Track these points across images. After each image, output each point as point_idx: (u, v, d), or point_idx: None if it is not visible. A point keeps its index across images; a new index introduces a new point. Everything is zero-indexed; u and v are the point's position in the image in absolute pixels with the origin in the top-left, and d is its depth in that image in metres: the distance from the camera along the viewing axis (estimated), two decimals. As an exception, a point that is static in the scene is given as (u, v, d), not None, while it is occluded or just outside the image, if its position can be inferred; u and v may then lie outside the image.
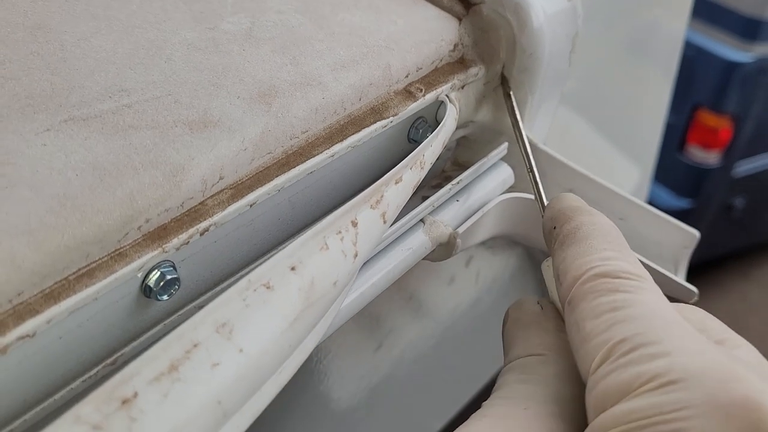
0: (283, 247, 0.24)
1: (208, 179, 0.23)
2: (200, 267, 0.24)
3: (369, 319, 0.39)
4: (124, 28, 0.27)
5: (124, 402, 0.17)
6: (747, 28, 2.07)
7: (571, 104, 0.48)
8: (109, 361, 0.22)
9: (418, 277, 0.41)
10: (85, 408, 0.17)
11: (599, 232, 0.25)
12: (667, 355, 0.20)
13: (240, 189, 0.24)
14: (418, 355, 0.46)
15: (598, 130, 0.55)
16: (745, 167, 2.21)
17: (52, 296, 0.20)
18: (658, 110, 0.62)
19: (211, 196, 0.23)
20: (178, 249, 0.22)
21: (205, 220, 0.23)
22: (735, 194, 2.25)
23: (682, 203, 2.17)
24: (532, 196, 0.33)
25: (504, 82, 0.33)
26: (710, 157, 2.14)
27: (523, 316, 0.26)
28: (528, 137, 0.32)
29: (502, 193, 0.33)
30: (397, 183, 0.25)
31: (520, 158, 0.34)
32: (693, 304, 0.27)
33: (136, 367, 0.18)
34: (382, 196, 0.24)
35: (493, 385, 0.27)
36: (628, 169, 0.65)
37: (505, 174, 0.34)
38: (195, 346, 0.19)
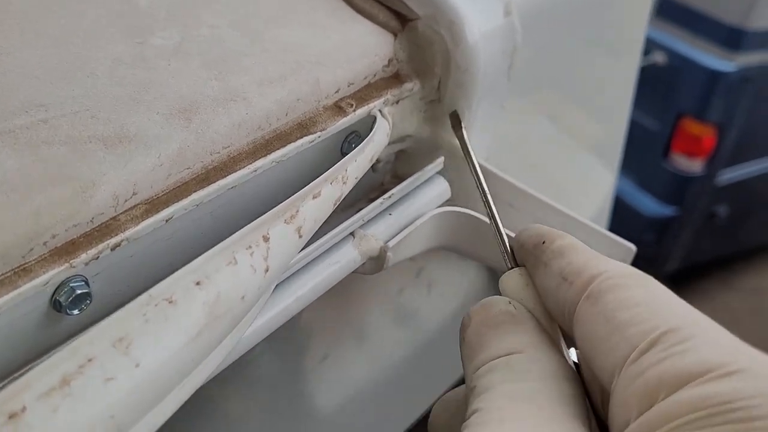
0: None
1: (121, 195, 0.23)
2: (116, 282, 0.24)
3: (312, 331, 0.40)
4: (52, 43, 0.27)
5: (11, 416, 0.18)
6: (730, 38, 2.09)
7: (535, 105, 0.49)
8: (16, 375, 0.22)
9: (364, 289, 0.41)
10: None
11: (595, 252, 0.25)
12: (722, 347, 0.20)
13: (155, 204, 0.24)
14: (370, 365, 0.46)
15: (564, 130, 0.56)
16: (728, 175, 2.22)
17: (-50, 312, 0.20)
18: (622, 109, 0.62)
19: (124, 212, 0.23)
20: (87, 264, 0.22)
21: (116, 235, 0.23)
22: (718, 202, 2.27)
23: (666, 210, 2.18)
24: (467, 210, 0.33)
25: (454, 116, 0.33)
26: (694, 165, 2.16)
27: (493, 316, 0.26)
28: (480, 165, 0.33)
29: (438, 207, 0.34)
30: (315, 198, 0.25)
31: (458, 172, 0.35)
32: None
33: (26, 381, 0.18)
34: (297, 211, 0.25)
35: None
36: (595, 169, 0.65)
37: (440, 188, 0.34)
38: (89, 360, 0.19)
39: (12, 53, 0.26)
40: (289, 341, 0.39)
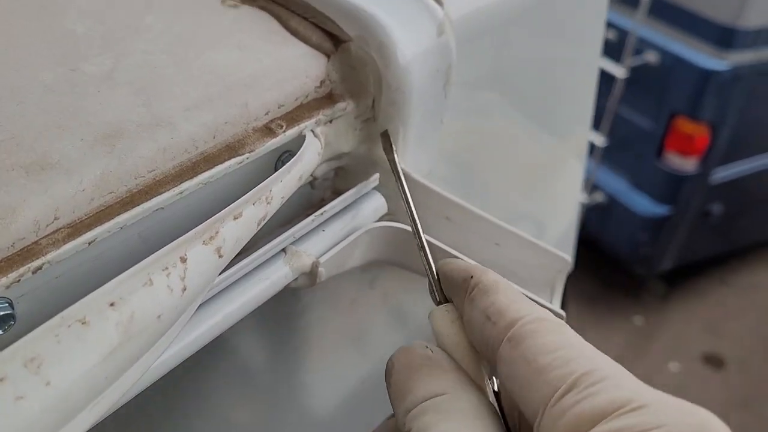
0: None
1: (41, 220, 0.24)
2: (42, 303, 0.25)
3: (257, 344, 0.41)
4: (-11, 70, 0.28)
5: None
6: (722, 37, 2.10)
7: (504, 99, 0.49)
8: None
9: (318, 303, 0.42)
10: None
11: (515, 288, 0.28)
12: (627, 387, 0.23)
13: (78, 228, 0.25)
14: (325, 375, 0.47)
15: (533, 122, 0.56)
16: (722, 174, 2.23)
17: None
18: (586, 95, 0.63)
19: (45, 236, 0.25)
20: (8, 287, 0.23)
21: (37, 258, 0.24)
22: (712, 200, 2.28)
23: (660, 210, 2.19)
24: (401, 225, 0.34)
25: (384, 137, 0.35)
26: (688, 164, 2.17)
27: (414, 361, 0.28)
28: (413, 183, 0.34)
29: (375, 221, 0.35)
30: (236, 218, 0.27)
31: (395, 188, 0.36)
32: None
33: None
34: (217, 232, 0.26)
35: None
36: (564, 159, 0.66)
37: (377, 203, 0.35)
38: (1, 380, 0.20)
39: (-54, 83, 0.27)
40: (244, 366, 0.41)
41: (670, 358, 2.24)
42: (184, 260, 0.25)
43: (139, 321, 0.23)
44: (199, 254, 0.25)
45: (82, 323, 0.22)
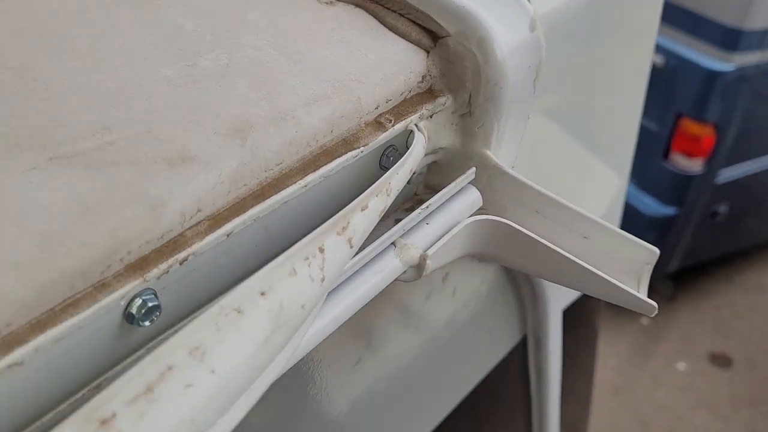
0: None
1: (187, 212, 0.24)
2: (181, 294, 0.25)
3: (348, 334, 0.41)
4: (108, 67, 0.29)
5: (103, 422, 0.19)
6: (727, 39, 2.11)
7: (550, 114, 0.50)
8: (93, 384, 0.24)
9: (396, 295, 0.43)
10: (67, 429, 0.19)
11: None
12: None
13: (217, 220, 0.25)
14: (398, 369, 0.47)
15: (576, 138, 0.57)
16: (727, 174, 2.24)
17: (39, 326, 0.21)
18: (632, 116, 0.64)
19: (190, 228, 0.25)
20: (158, 278, 0.24)
21: (184, 250, 0.24)
22: (718, 201, 2.29)
23: (667, 210, 2.20)
24: (500, 218, 0.35)
25: None
26: (694, 165, 2.18)
27: None
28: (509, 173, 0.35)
29: (470, 215, 0.35)
30: (363, 210, 0.27)
31: (488, 181, 0.36)
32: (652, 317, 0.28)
33: (114, 390, 0.20)
34: (348, 223, 0.26)
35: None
36: (606, 175, 0.67)
37: (473, 197, 0.35)
38: (170, 368, 0.20)
39: (71, 78, 0.28)
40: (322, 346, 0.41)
41: (677, 357, 2.25)
42: (322, 251, 0.25)
43: (287, 310, 0.24)
44: (334, 245, 0.26)
45: (238, 312, 0.22)
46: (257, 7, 0.34)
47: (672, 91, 2.25)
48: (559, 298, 0.64)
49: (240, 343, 0.22)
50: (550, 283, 0.58)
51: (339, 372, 0.42)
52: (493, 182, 0.37)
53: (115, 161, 0.24)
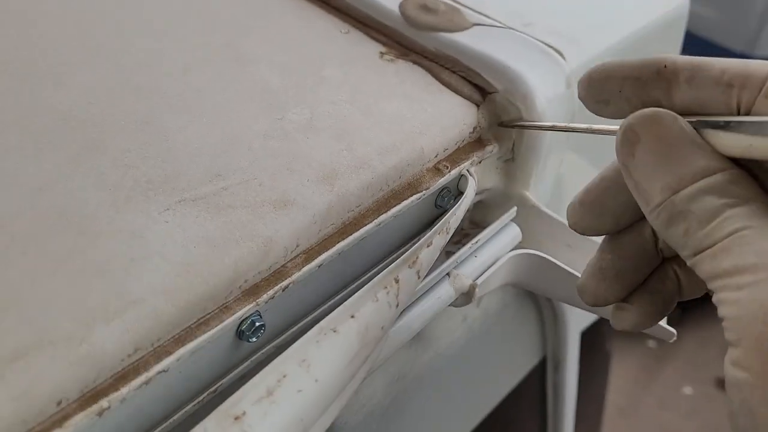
0: (342, 298, 0.31)
1: (289, 247, 0.29)
2: (280, 315, 0.30)
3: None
4: (211, 120, 0.34)
5: (236, 418, 0.24)
6: (737, 66, 2.16)
7: (581, 157, 0.55)
8: (212, 389, 0.28)
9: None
10: (209, 423, 0.24)
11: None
12: None
13: (311, 254, 0.30)
14: (426, 385, 0.52)
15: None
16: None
17: (180, 341, 0.26)
18: None
19: (290, 260, 0.30)
20: (267, 302, 0.29)
21: (286, 279, 0.29)
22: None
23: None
24: (538, 252, 0.40)
25: (505, 124, 0.39)
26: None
27: (670, 134, 0.24)
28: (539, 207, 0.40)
29: (511, 249, 0.40)
30: (428, 246, 0.32)
31: (525, 219, 0.41)
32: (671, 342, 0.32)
33: (243, 393, 0.25)
34: (417, 257, 0.31)
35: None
36: None
37: (514, 233, 0.40)
38: (284, 376, 0.25)
39: (184, 129, 0.33)
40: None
41: (683, 381, 2.27)
42: (397, 281, 0.30)
43: (371, 331, 0.28)
44: (407, 276, 0.30)
45: (334, 332, 0.27)
46: (330, 65, 0.39)
47: (683, 118, 2.29)
48: (578, 320, 0.69)
49: (336, 357, 0.27)
50: (571, 314, 0.63)
51: (381, 385, 0.46)
52: (529, 219, 0.41)
53: (231, 204, 0.29)
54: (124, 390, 0.24)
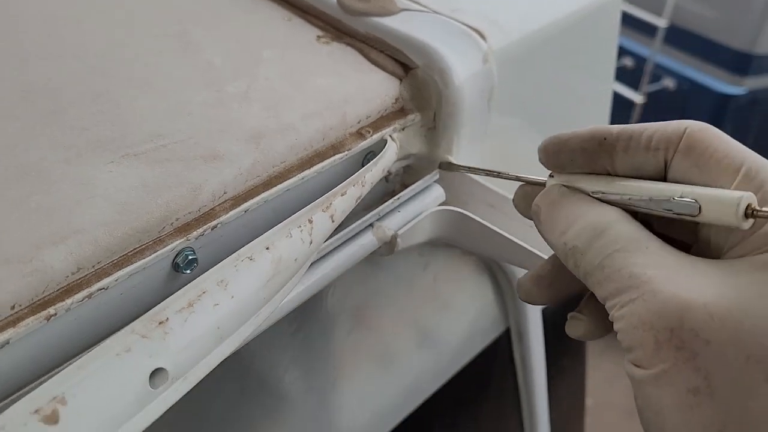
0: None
1: (216, 194, 0.35)
2: (212, 252, 0.36)
3: (346, 306, 0.51)
4: (161, 93, 0.39)
5: (160, 323, 0.29)
6: (739, 62, 2.18)
7: (516, 131, 0.59)
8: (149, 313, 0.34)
9: (387, 281, 0.53)
10: (137, 324, 0.29)
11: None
12: None
13: (237, 200, 0.36)
14: (384, 343, 0.57)
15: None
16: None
17: (118, 264, 0.31)
18: (600, 119, 0.73)
19: (218, 205, 0.35)
20: (196, 239, 0.34)
21: (214, 220, 0.35)
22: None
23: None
24: (457, 209, 0.45)
25: (444, 165, 0.45)
26: (706, 187, 2.23)
27: (556, 197, 0.31)
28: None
29: (437, 206, 0.45)
30: (342, 195, 0.37)
31: (449, 181, 0.46)
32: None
33: (167, 303, 0.30)
34: (330, 204, 0.36)
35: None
36: None
37: (437, 192, 0.45)
38: (204, 292, 0.31)
39: (134, 101, 0.38)
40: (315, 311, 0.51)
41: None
42: (311, 221, 0.35)
43: (284, 261, 0.34)
44: (320, 218, 0.36)
45: (250, 259, 0.33)
46: (270, 47, 0.44)
47: (684, 115, 2.32)
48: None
49: (251, 280, 0.32)
50: None
51: (333, 340, 0.52)
52: (454, 182, 0.46)
53: (167, 158, 0.35)
54: (68, 301, 0.30)
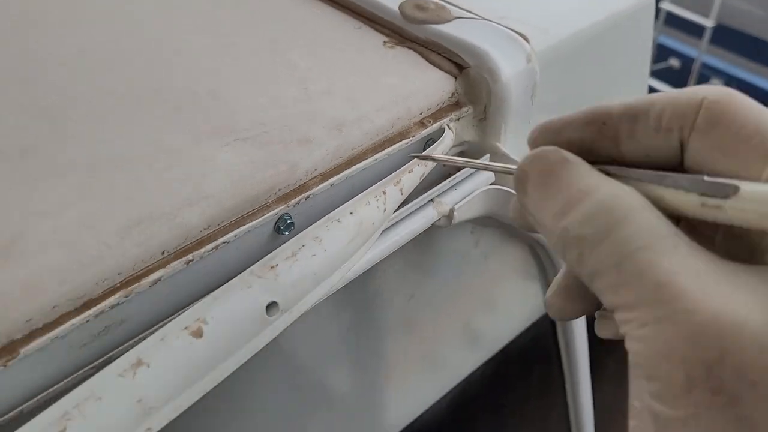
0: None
1: (309, 171, 0.43)
2: (305, 216, 0.44)
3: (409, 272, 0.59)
4: (260, 88, 0.48)
5: (272, 267, 0.37)
6: (787, 61, 2.18)
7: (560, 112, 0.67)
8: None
9: (444, 250, 0.60)
10: (255, 268, 0.37)
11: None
12: None
13: (325, 176, 0.44)
14: (436, 309, 0.64)
15: None
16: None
17: (236, 224, 0.40)
18: None
19: (310, 180, 0.43)
20: (294, 206, 0.42)
21: (307, 191, 0.43)
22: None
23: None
24: (504, 187, 0.52)
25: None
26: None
27: (552, 164, 0.25)
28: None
29: (487, 186, 0.53)
30: (409, 172, 0.45)
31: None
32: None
33: (275, 254, 0.38)
34: (400, 179, 0.44)
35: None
36: None
37: (487, 174, 0.53)
38: (303, 246, 0.39)
39: (240, 95, 0.47)
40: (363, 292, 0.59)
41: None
42: (384, 193, 0.43)
43: (365, 224, 0.42)
44: (391, 190, 0.44)
45: (338, 221, 0.41)
46: (344, 51, 0.53)
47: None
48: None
49: (339, 237, 0.41)
50: None
51: (396, 303, 0.59)
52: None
53: (269, 141, 0.43)
54: (201, 250, 0.38)
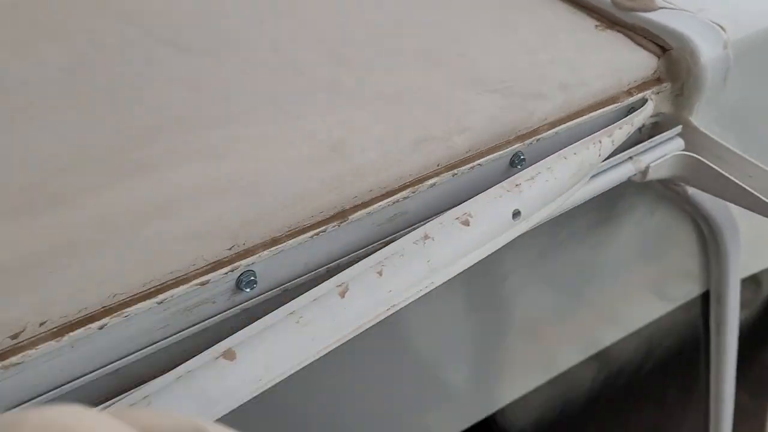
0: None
1: (541, 118, 0.54)
2: (534, 154, 0.55)
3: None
4: (506, 54, 0.59)
5: (517, 185, 0.49)
6: None
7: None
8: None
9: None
10: (504, 184, 0.49)
11: None
12: None
13: (554, 124, 0.55)
14: (579, 271, 0.73)
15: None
16: None
17: (489, 151, 0.52)
18: None
19: (542, 126, 0.54)
20: (528, 146, 0.53)
21: (538, 135, 0.54)
22: None
23: None
24: (692, 154, 0.61)
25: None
26: None
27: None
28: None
29: (679, 151, 0.61)
30: (609, 136, 0.55)
31: (688, 134, 0.62)
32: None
33: (521, 174, 0.49)
34: (612, 132, 0.54)
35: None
36: None
37: (678, 141, 0.62)
38: (538, 173, 0.50)
39: (490, 60, 0.59)
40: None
41: None
42: (600, 141, 0.53)
43: (585, 162, 0.52)
44: (606, 141, 0.54)
45: (565, 158, 0.51)
46: (563, 32, 0.63)
47: None
48: (739, 260, 0.84)
49: (566, 169, 0.51)
50: (733, 247, 0.79)
51: (526, 263, 0.69)
52: (692, 137, 0.62)
53: (512, 94, 0.55)
54: (464, 167, 0.50)
